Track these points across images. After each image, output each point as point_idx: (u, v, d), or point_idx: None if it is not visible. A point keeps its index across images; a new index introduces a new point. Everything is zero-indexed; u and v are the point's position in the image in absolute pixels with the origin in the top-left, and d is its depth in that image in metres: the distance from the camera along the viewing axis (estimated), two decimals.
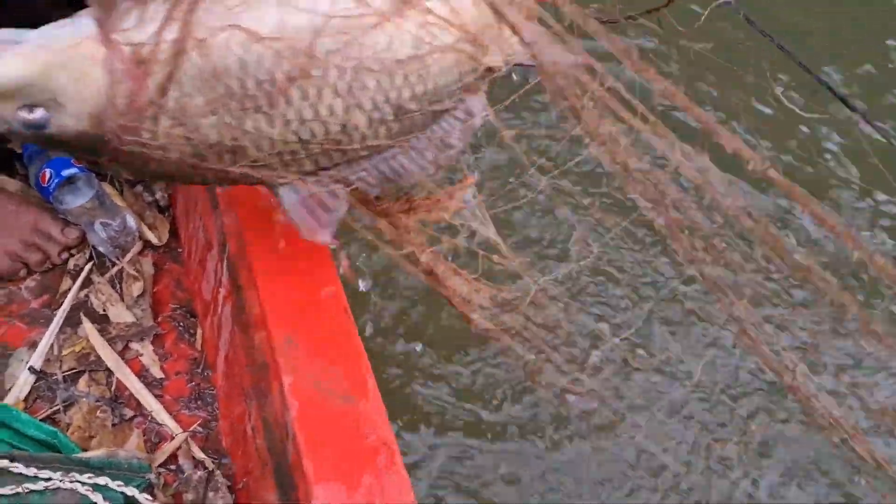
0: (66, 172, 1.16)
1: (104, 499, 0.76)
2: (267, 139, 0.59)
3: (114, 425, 0.96)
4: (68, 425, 0.93)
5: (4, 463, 0.79)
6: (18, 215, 1.12)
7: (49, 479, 0.78)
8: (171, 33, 0.55)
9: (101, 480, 0.77)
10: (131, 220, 1.15)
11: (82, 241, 1.14)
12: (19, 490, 0.77)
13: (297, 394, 0.75)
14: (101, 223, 1.12)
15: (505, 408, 1.51)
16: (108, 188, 1.21)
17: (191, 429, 0.98)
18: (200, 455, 0.98)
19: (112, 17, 0.56)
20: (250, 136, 0.59)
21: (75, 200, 1.16)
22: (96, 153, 0.59)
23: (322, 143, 0.61)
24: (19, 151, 1.22)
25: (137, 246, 1.16)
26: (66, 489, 0.77)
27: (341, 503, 0.69)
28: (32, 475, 0.78)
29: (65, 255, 1.13)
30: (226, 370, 0.98)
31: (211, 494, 0.93)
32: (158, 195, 1.23)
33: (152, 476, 0.79)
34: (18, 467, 0.79)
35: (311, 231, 0.68)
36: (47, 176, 1.16)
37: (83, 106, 0.56)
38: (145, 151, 0.58)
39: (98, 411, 0.97)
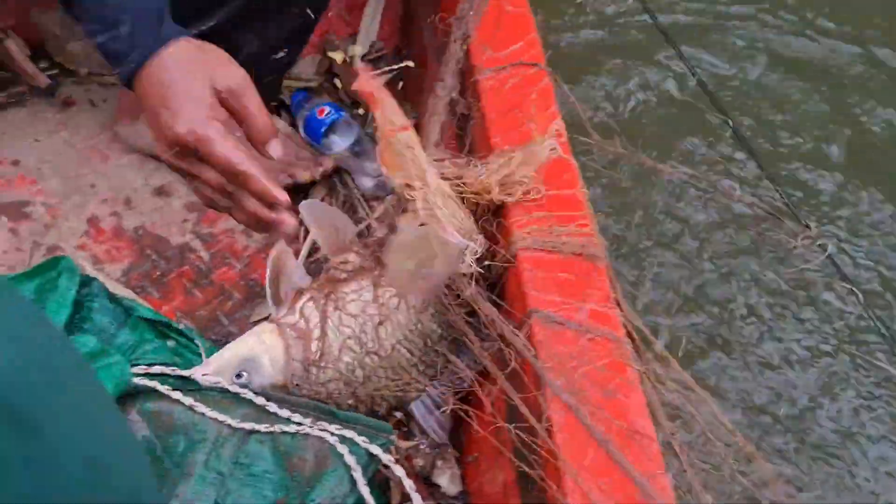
0: (341, 112, 1.20)
1: (349, 452, 0.75)
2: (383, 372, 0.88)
3: None
4: None
5: (261, 401, 0.81)
6: None
7: (300, 424, 0.79)
8: (315, 318, 0.87)
9: (348, 433, 0.77)
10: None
11: None
12: (273, 429, 0.79)
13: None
14: (375, 165, 1.14)
15: None
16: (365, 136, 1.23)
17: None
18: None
19: (278, 313, 0.90)
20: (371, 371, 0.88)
21: (342, 143, 1.20)
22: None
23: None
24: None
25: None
26: (315, 436, 0.78)
27: None
28: (286, 417, 0.80)
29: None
30: None
31: (439, 463, 0.92)
32: None
33: (394, 437, 0.78)
34: (273, 407, 0.81)
35: (434, 434, 0.89)
36: (325, 111, 1.19)
37: (275, 364, 0.85)
38: (314, 389, 0.86)
39: None
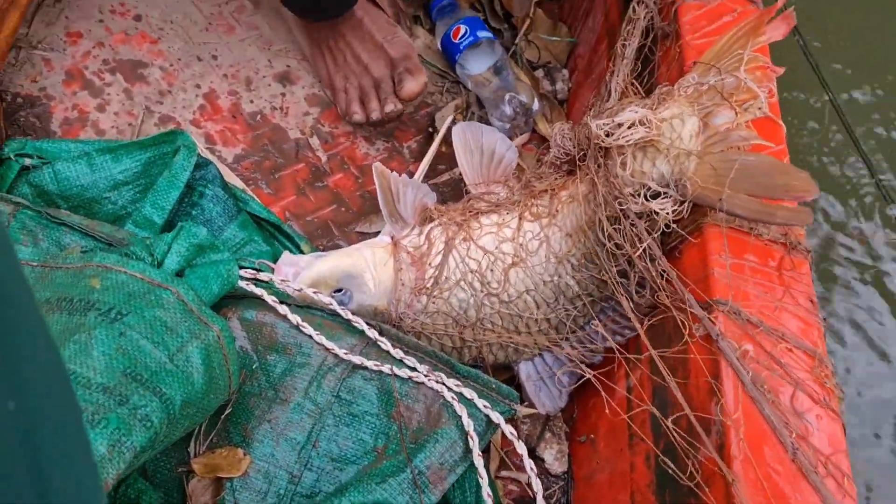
0: (481, 34, 1.07)
1: (468, 415, 0.67)
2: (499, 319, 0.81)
3: None
4: None
5: (374, 334, 0.73)
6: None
7: (413, 370, 0.71)
8: (440, 244, 0.81)
9: (468, 393, 0.69)
10: (537, 102, 1.04)
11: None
12: (382, 369, 0.71)
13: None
14: (512, 97, 1.02)
15: None
16: (510, 62, 1.10)
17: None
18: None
19: (400, 232, 0.83)
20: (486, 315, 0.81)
21: (478, 66, 1.07)
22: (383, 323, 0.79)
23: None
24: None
25: (525, 136, 1.05)
26: (429, 387, 0.70)
27: None
28: (398, 358, 0.72)
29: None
30: None
31: (547, 436, 0.83)
32: (559, 85, 1.10)
33: (519, 407, 0.69)
34: (385, 343, 0.73)
35: (540, 405, 0.81)
36: (461, 32, 1.07)
37: (379, 286, 0.80)
38: (419, 320, 0.80)
39: None
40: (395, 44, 0.99)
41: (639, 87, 0.77)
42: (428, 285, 0.79)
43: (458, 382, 0.69)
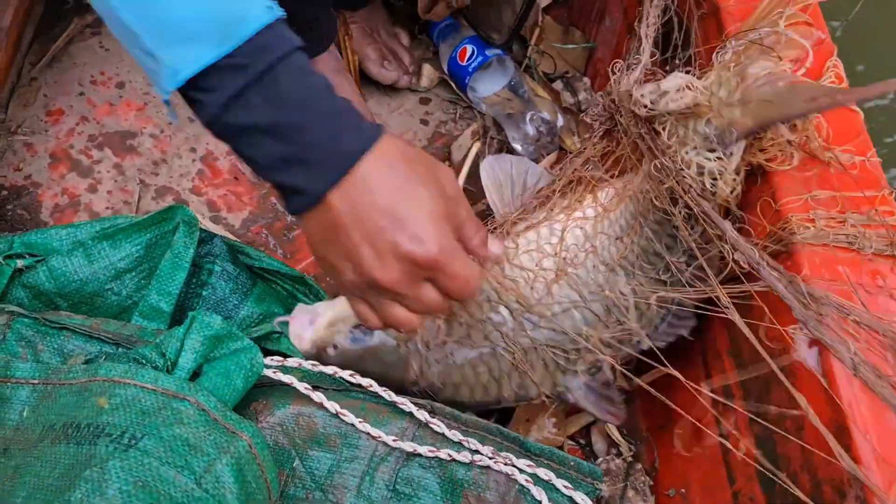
0: (489, 52, 0.98)
1: (549, 500, 0.58)
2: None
3: None
4: None
5: (424, 416, 0.64)
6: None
7: (477, 453, 0.62)
8: None
9: (543, 474, 0.59)
10: (560, 117, 0.95)
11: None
12: (440, 455, 0.62)
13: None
14: (533, 115, 0.93)
15: None
16: (525, 77, 1.02)
17: None
18: (617, 436, 0.79)
19: None
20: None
21: (491, 87, 0.99)
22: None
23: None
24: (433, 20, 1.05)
25: (553, 155, 0.96)
26: (497, 471, 0.60)
27: None
28: (457, 441, 0.63)
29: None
30: None
31: (630, 494, 0.74)
32: (582, 95, 1.01)
33: (604, 486, 0.59)
34: (439, 426, 0.64)
35: (603, 416, 0.71)
36: (468, 53, 0.99)
37: None
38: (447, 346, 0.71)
39: None
40: None
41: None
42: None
43: (530, 462, 0.60)
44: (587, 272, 0.71)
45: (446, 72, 1.03)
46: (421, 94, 1.03)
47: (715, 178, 0.64)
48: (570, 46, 1.04)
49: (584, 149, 0.79)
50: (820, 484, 0.50)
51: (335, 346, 0.71)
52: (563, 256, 0.71)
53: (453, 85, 1.02)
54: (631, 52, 0.76)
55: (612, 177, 0.75)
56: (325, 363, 0.67)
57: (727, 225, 0.61)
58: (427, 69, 1.05)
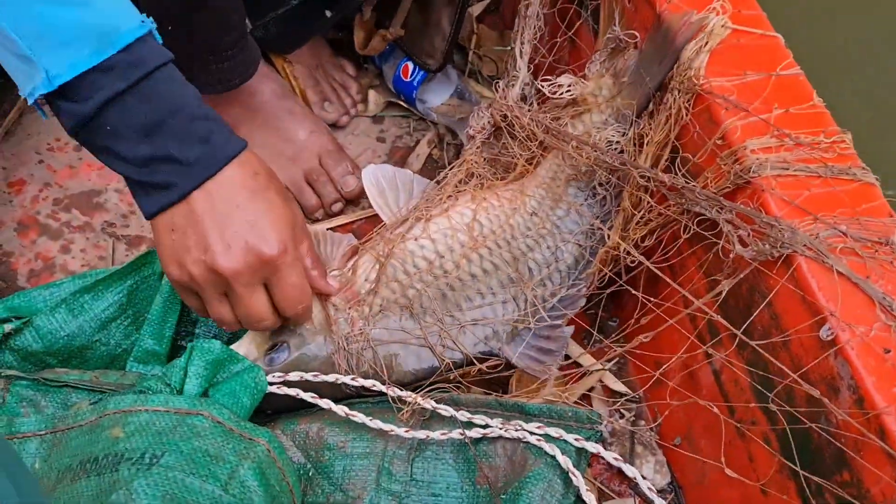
0: None
1: (562, 453, 0.60)
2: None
3: None
4: None
5: (430, 403, 0.66)
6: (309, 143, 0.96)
7: (486, 427, 0.64)
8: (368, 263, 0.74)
9: (553, 432, 0.62)
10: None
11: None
12: (453, 435, 0.63)
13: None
14: None
15: None
16: (469, 81, 1.06)
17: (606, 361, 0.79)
18: (622, 388, 0.80)
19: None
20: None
21: (439, 97, 1.02)
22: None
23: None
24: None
25: None
26: (508, 438, 0.62)
27: None
28: (466, 420, 0.64)
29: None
30: None
31: (639, 449, 0.76)
32: (526, 90, 1.05)
33: (605, 427, 0.62)
34: (447, 410, 0.65)
35: (540, 373, 0.71)
36: (409, 69, 1.02)
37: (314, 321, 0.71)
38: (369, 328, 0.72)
39: None
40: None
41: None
42: (362, 291, 0.72)
43: (539, 424, 0.62)
44: (507, 243, 0.75)
45: (393, 89, 1.06)
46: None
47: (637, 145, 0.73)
48: (506, 49, 1.09)
49: (464, 161, 0.83)
50: (814, 385, 0.53)
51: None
52: (475, 235, 0.74)
53: (402, 102, 1.06)
54: (509, 70, 0.88)
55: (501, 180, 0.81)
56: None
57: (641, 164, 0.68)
58: (373, 95, 1.08)
